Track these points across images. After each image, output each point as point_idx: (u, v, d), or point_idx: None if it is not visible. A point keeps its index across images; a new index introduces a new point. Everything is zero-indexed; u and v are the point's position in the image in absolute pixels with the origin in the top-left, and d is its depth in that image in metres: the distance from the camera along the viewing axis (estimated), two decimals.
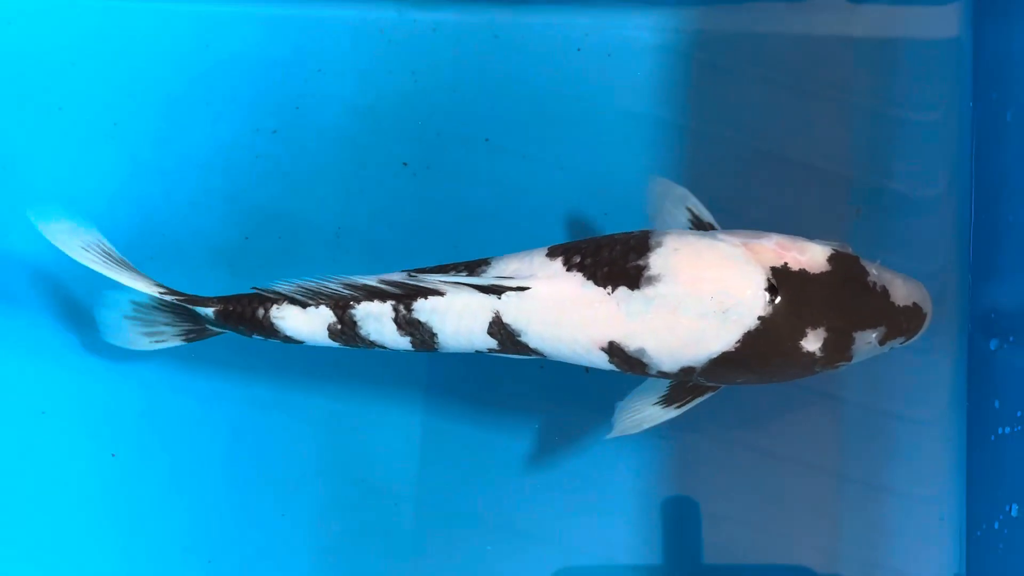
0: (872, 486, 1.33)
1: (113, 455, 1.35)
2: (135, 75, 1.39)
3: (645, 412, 1.16)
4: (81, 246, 1.17)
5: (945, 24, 1.37)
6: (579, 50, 1.38)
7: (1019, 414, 1.22)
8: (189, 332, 1.23)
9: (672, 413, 1.16)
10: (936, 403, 1.34)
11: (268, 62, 1.39)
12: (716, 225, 1.19)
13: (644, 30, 1.38)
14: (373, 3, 1.39)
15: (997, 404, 1.26)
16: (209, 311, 1.19)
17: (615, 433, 1.16)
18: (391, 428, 1.35)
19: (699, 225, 1.20)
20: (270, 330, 1.18)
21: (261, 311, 1.18)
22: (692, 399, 1.16)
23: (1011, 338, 1.25)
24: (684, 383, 1.14)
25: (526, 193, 1.37)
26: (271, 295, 1.17)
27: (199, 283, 1.27)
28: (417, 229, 1.37)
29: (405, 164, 1.38)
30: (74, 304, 1.36)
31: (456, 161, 1.38)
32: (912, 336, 1.14)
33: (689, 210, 1.21)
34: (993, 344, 1.29)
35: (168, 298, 1.19)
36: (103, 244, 1.18)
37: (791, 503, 1.33)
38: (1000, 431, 1.25)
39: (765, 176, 1.36)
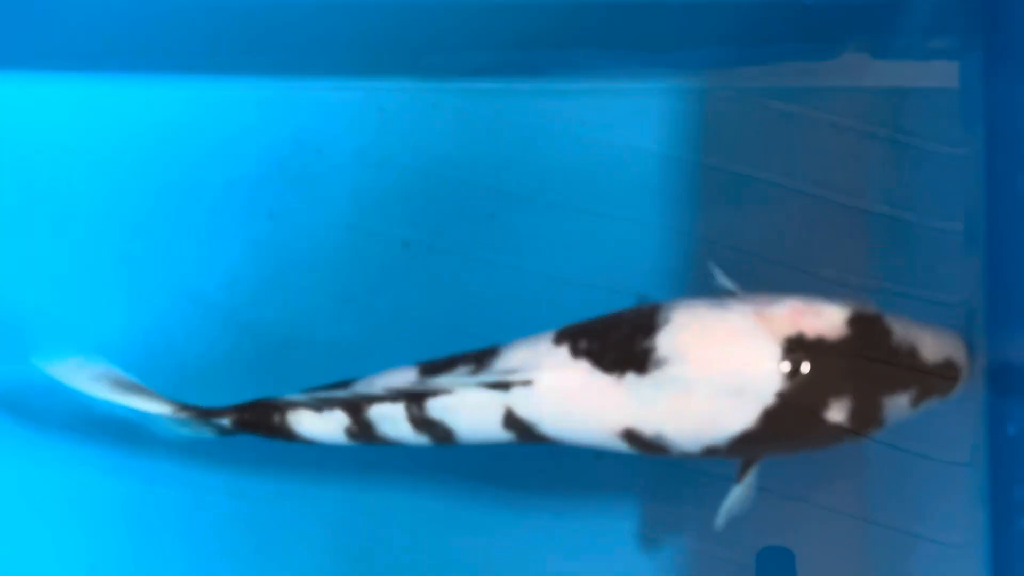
0: None
1: None
2: (127, 158, 1.37)
3: (732, 493, 1.11)
4: (90, 379, 1.18)
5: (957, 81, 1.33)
6: (583, 123, 1.35)
7: None
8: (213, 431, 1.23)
9: (748, 485, 1.11)
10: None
11: (265, 144, 1.36)
12: (735, 289, 1.14)
13: (650, 96, 1.34)
14: (370, 80, 1.37)
15: None
16: (225, 421, 1.19)
17: (723, 521, 1.12)
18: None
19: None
20: (289, 434, 1.18)
21: (277, 417, 1.17)
22: (750, 468, 1.11)
23: None
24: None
25: (532, 272, 1.33)
26: (282, 403, 1.16)
27: (192, 372, 1.26)
28: (418, 312, 1.33)
29: (406, 245, 1.34)
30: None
31: (459, 240, 1.34)
32: (947, 394, 1.09)
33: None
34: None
35: (183, 415, 1.19)
36: (111, 372, 1.18)
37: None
38: None
39: (782, 234, 1.31)
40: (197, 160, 1.36)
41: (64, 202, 1.36)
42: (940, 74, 1.32)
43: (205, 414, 1.19)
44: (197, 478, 1.31)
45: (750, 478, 1.11)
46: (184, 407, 1.19)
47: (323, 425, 1.16)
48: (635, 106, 1.34)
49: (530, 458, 1.23)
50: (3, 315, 1.34)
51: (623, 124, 1.34)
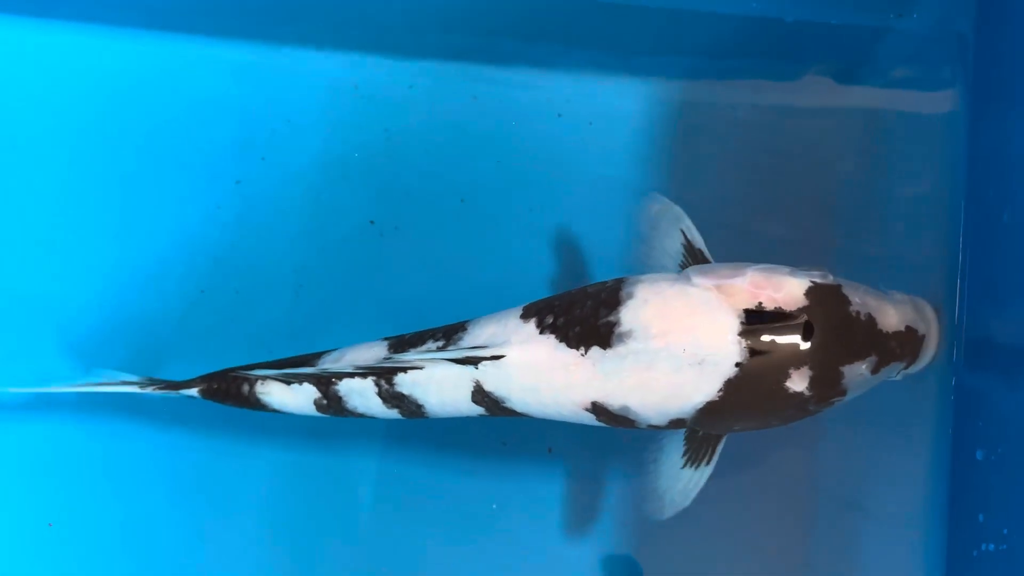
0: None
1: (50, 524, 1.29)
2: (97, 113, 1.33)
3: (683, 479, 1.13)
4: (64, 385, 1.21)
5: (937, 112, 1.35)
6: (559, 116, 1.34)
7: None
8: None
9: (707, 470, 1.12)
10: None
11: (236, 110, 1.34)
12: (707, 251, 1.15)
13: (627, 98, 1.35)
14: (348, 54, 1.35)
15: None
16: (193, 391, 1.19)
17: (668, 513, 1.13)
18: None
19: (690, 251, 1.15)
20: (257, 405, 1.18)
21: (246, 387, 1.17)
22: (713, 448, 1.12)
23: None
24: (694, 435, 1.11)
25: (499, 257, 1.32)
26: (252, 375, 1.16)
27: (151, 336, 1.24)
28: (382, 290, 1.32)
29: (372, 223, 1.33)
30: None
31: (426, 222, 1.33)
32: (913, 360, 1.11)
33: (682, 232, 1.17)
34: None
35: (150, 389, 1.19)
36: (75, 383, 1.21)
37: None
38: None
39: (743, 248, 1.29)
40: (165, 120, 1.33)
41: (12, 159, 1.33)
42: (921, 103, 1.35)
43: (172, 387, 1.19)
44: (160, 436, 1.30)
45: (716, 457, 1.12)
46: (150, 382, 1.19)
47: (293, 397, 1.16)
48: (611, 105, 1.34)
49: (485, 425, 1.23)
50: None
51: (598, 121, 1.34)
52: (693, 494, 1.13)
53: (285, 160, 1.33)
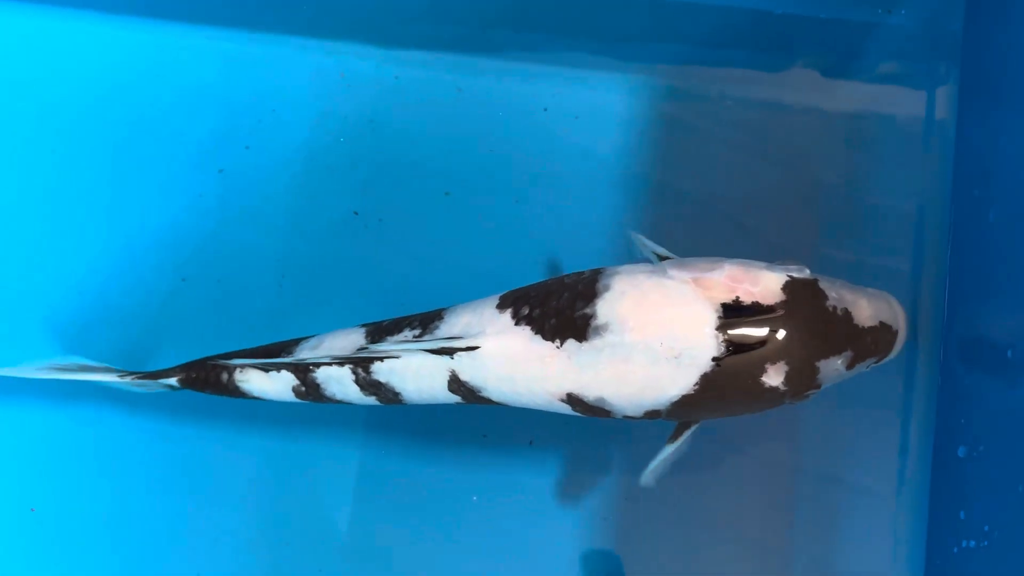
0: None
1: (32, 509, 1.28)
2: (81, 101, 1.33)
3: (661, 453, 1.14)
4: (34, 368, 1.21)
5: (925, 109, 1.34)
6: (545, 110, 1.34)
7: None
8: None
9: (675, 447, 1.13)
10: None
11: (221, 98, 1.33)
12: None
13: (612, 92, 1.34)
14: (334, 43, 1.35)
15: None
16: (172, 381, 1.19)
17: (650, 480, 1.15)
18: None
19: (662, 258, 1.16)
20: (236, 392, 1.18)
21: (225, 375, 1.17)
22: (684, 431, 1.13)
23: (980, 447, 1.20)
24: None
25: (483, 249, 1.32)
26: (230, 363, 1.16)
27: (130, 324, 1.24)
28: (366, 280, 1.31)
29: (356, 213, 1.32)
30: None
31: (411, 214, 1.32)
32: (885, 355, 1.11)
33: (655, 255, 1.18)
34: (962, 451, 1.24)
35: (129, 379, 1.19)
36: (53, 363, 1.21)
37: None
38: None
39: (727, 241, 1.31)
40: (149, 108, 1.33)
41: (2, 142, 1.32)
42: (908, 100, 1.35)
43: (151, 376, 1.18)
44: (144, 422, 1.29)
45: (685, 440, 1.13)
46: (130, 372, 1.19)
47: (271, 385, 1.16)
48: (597, 100, 1.34)
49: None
50: None
51: (585, 116, 1.34)
52: (667, 464, 1.13)
53: (269, 149, 1.33)
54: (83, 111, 1.32)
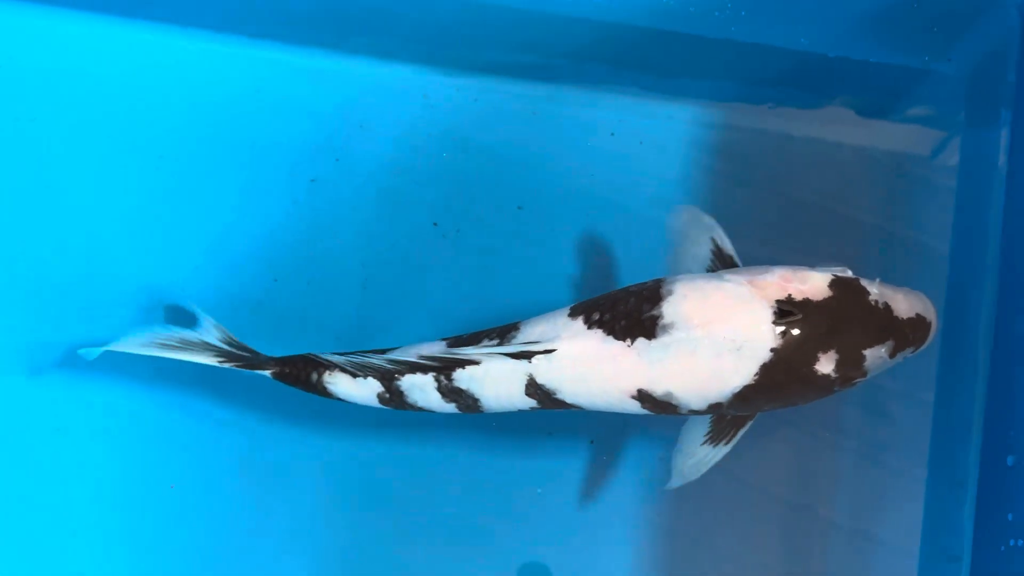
0: None
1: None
2: (180, 111, 1.41)
3: (699, 455, 1.23)
4: (140, 343, 1.25)
5: (974, 153, 1.46)
6: (612, 134, 1.44)
7: None
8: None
9: (724, 450, 1.22)
10: None
11: (314, 114, 1.43)
12: (737, 258, 1.25)
13: (676, 121, 1.45)
14: (418, 67, 1.44)
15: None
16: (266, 373, 1.25)
17: (678, 482, 1.23)
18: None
19: (720, 257, 1.25)
20: (324, 393, 1.25)
21: (315, 375, 1.24)
22: (735, 431, 1.22)
23: None
24: (722, 418, 1.21)
25: (551, 262, 1.41)
26: (323, 362, 1.23)
27: (227, 318, 1.29)
28: (442, 286, 1.41)
29: (435, 224, 1.42)
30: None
31: (486, 227, 1.42)
32: (920, 345, 1.20)
33: (713, 240, 1.26)
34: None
35: (228, 365, 1.25)
36: (156, 335, 1.25)
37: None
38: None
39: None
40: (247, 120, 1.42)
41: (109, 152, 1.40)
42: (956, 147, 1.46)
43: (249, 365, 1.25)
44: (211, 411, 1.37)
45: (735, 441, 1.22)
46: (228, 357, 1.24)
47: (358, 389, 1.24)
48: (661, 127, 1.45)
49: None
50: (50, 271, 1.37)
51: (649, 141, 1.45)
52: (703, 470, 1.22)
53: (357, 162, 1.42)
54: (193, 127, 1.41)
